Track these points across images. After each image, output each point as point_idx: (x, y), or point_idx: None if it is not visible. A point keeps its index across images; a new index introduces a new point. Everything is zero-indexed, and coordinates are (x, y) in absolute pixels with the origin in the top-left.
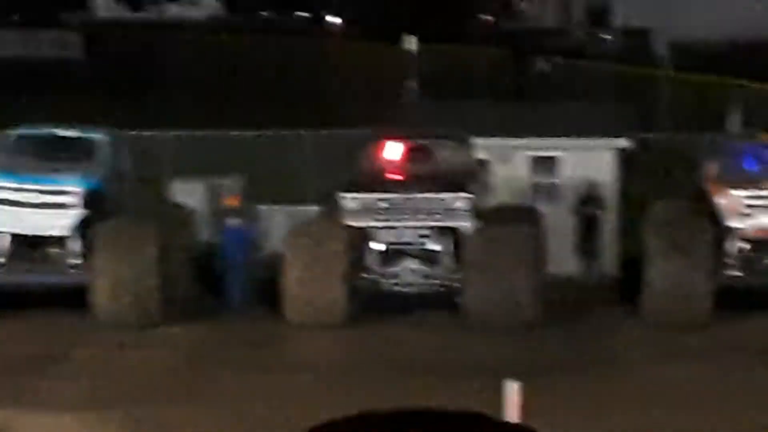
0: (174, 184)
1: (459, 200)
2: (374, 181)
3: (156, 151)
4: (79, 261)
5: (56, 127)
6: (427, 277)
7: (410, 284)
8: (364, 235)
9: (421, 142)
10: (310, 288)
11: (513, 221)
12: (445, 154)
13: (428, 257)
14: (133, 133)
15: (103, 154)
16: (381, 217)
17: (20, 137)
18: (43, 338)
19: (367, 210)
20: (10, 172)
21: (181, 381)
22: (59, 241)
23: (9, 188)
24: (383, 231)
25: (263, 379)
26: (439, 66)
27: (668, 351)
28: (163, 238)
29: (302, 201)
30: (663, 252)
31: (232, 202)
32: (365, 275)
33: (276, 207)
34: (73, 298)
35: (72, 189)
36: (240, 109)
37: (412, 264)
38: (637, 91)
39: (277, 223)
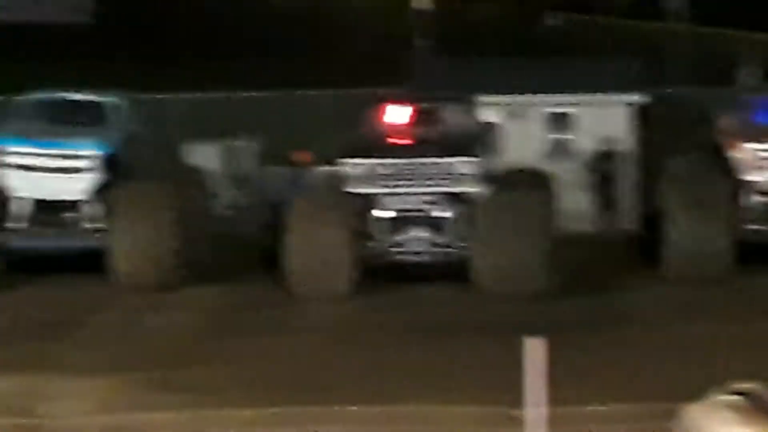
0: (190, 147)
1: (466, 165)
2: (377, 145)
3: (169, 114)
4: (97, 225)
5: (70, 92)
6: (434, 245)
7: (417, 253)
8: (368, 203)
9: (426, 104)
10: (313, 257)
11: (522, 186)
12: (451, 117)
13: (435, 225)
14: (146, 96)
15: (117, 118)
16: (385, 183)
17: (34, 103)
18: (63, 303)
19: (371, 176)
20: (27, 137)
21: (201, 343)
22: (78, 205)
23: (26, 153)
24: (388, 198)
25: (278, 341)
26: (447, 23)
27: (689, 307)
28: (181, 201)
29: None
30: (681, 207)
31: (303, 157)
32: (370, 244)
33: (287, 169)
34: (92, 263)
35: (89, 153)
36: (248, 69)
37: (418, 232)
38: (650, 45)
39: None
